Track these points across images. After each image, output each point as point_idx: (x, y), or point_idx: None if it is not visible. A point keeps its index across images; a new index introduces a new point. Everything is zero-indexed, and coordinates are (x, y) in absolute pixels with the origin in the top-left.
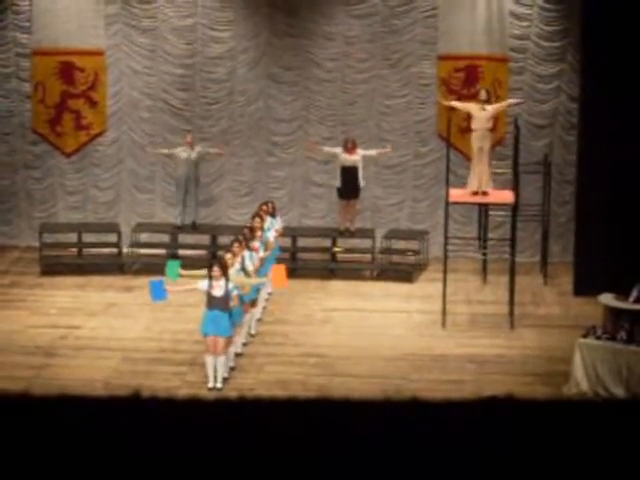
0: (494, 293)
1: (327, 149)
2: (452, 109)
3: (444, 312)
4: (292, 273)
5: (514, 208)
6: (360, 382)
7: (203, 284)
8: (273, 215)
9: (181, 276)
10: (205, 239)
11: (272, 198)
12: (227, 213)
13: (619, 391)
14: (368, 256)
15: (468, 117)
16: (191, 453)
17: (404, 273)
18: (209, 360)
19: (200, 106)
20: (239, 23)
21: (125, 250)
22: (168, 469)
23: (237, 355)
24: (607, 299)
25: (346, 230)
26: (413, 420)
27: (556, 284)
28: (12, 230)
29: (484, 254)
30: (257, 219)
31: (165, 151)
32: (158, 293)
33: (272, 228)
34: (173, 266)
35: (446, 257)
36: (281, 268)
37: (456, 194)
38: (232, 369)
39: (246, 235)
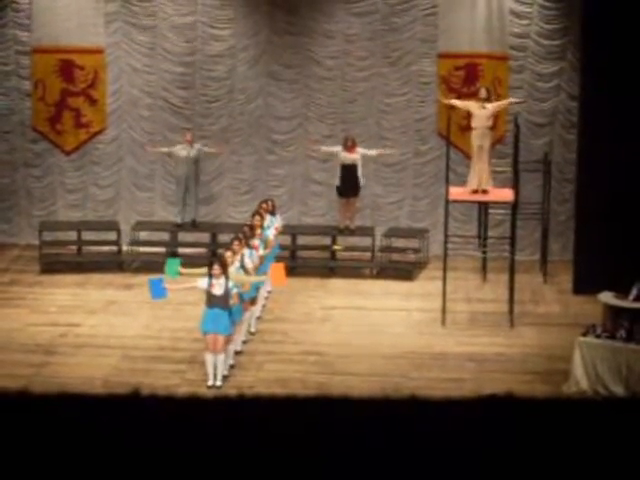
0: (494, 291)
1: (325, 148)
2: (452, 107)
3: (444, 310)
4: (292, 271)
5: (514, 206)
6: (360, 380)
7: (203, 282)
8: (273, 213)
9: (181, 274)
10: (205, 237)
11: (272, 196)
12: (227, 211)
13: (619, 389)
14: (368, 254)
15: (468, 115)
16: (191, 451)
17: (404, 271)
18: (209, 358)
19: (200, 104)
20: (239, 21)
21: (125, 248)
22: (168, 467)
23: (237, 353)
24: (607, 297)
25: (346, 228)
26: (412, 418)
27: (556, 282)
28: (12, 228)
29: (484, 252)
30: (257, 217)
31: (164, 149)
32: (158, 291)
33: (272, 226)
34: (173, 264)
35: (446, 255)
36: (280, 266)
37: (456, 192)
38: (232, 367)
39: (246, 233)
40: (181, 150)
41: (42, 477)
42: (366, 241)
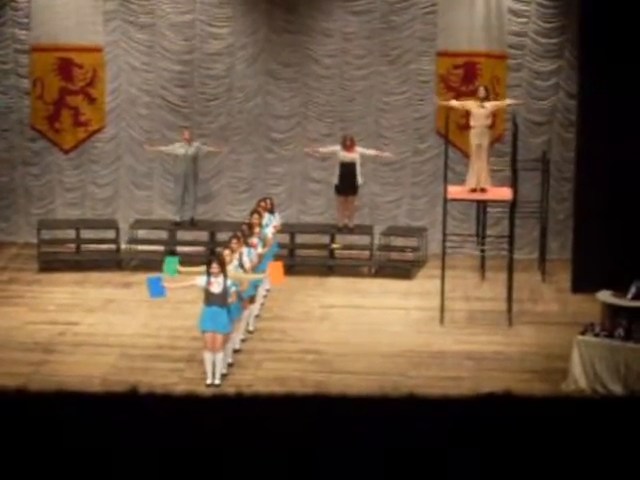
0: (492, 290)
1: (323, 149)
2: (450, 109)
3: (442, 309)
4: (290, 270)
5: (512, 205)
6: (358, 379)
7: (201, 280)
8: (271, 211)
9: (179, 273)
10: (203, 235)
11: (270, 194)
12: (225, 209)
13: (617, 388)
14: (366, 253)
15: (467, 114)
16: (189, 449)
17: (402, 270)
18: (207, 356)
19: (198, 102)
20: (237, 19)
21: (123, 246)
22: (166, 465)
23: (235, 351)
24: (605, 296)
25: (344, 227)
26: (411, 417)
27: (554, 281)
28: (10, 226)
29: (482, 251)
30: (255, 215)
31: (162, 148)
32: (156, 290)
33: (270, 224)
34: (171, 262)
35: (444, 254)
36: (278, 265)
37: (454, 191)
38: (230, 365)
39: (244, 231)
40: (179, 148)
41: (40, 475)
42: (365, 240)
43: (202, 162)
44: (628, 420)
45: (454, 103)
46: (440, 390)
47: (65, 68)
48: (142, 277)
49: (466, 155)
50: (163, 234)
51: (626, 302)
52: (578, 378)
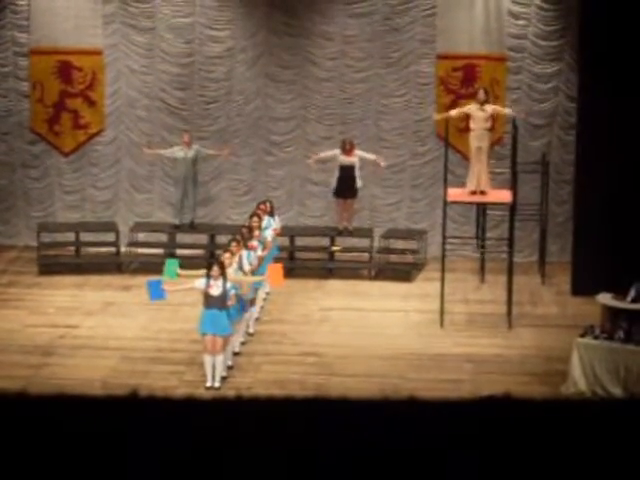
0: (492, 293)
1: (323, 155)
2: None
3: (442, 311)
4: (290, 272)
5: (512, 208)
6: (358, 381)
7: (200, 282)
8: (271, 214)
9: (179, 275)
10: (203, 238)
11: (270, 197)
12: (225, 212)
13: (617, 390)
14: (366, 255)
15: (466, 117)
16: (189, 452)
17: (402, 272)
18: (207, 359)
19: (198, 105)
20: (237, 22)
21: (123, 249)
22: (166, 468)
23: (235, 354)
24: (605, 299)
25: (344, 229)
26: (411, 419)
27: (554, 284)
28: (10, 229)
29: (482, 254)
30: (255, 218)
31: (161, 152)
32: (156, 292)
33: (270, 227)
34: (171, 265)
35: (444, 256)
36: (278, 267)
37: (454, 193)
38: (230, 368)
39: (244, 234)
40: (179, 151)
41: (40, 479)
42: (364, 242)
43: (202, 165)
44: (628, 423)
45: (453, 113)
46: (440, 393)
47: (65, 71)
48: (142, 280)
49: (466, 158)
50: (163, 237)
51: (626, 304)
52: (578, 380)
